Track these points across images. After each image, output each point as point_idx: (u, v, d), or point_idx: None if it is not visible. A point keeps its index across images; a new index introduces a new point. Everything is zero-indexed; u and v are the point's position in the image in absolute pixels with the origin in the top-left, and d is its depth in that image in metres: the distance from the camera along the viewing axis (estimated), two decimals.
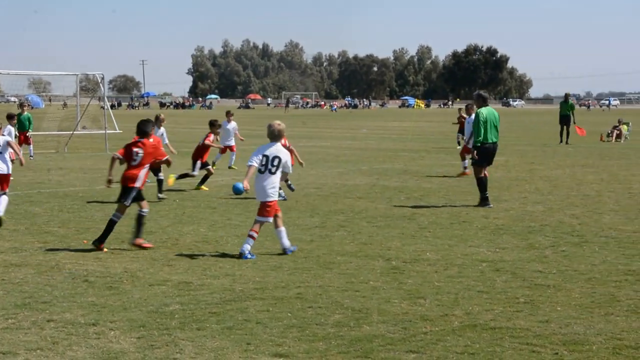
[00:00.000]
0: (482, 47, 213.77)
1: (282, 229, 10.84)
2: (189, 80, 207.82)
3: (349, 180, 20.43)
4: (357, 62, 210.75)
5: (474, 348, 6.81)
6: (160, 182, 16.75)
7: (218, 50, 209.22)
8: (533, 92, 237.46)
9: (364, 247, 11.36)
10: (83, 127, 35.70)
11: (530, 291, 8.79)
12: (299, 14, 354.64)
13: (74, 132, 33.71)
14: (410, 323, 7.56)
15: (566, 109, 36.91)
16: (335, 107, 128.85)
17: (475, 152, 15.52)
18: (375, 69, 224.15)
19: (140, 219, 11.28)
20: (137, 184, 11.31)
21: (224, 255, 10.82)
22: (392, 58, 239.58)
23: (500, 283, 9.18)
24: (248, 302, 8.34)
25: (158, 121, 17.88)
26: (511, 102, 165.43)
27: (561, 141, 36.15)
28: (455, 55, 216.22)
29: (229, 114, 24.59)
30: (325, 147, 34.01)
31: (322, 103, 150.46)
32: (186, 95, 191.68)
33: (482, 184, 15.41)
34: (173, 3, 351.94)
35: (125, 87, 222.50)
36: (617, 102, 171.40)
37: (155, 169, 16.02)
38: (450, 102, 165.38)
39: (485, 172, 15.51)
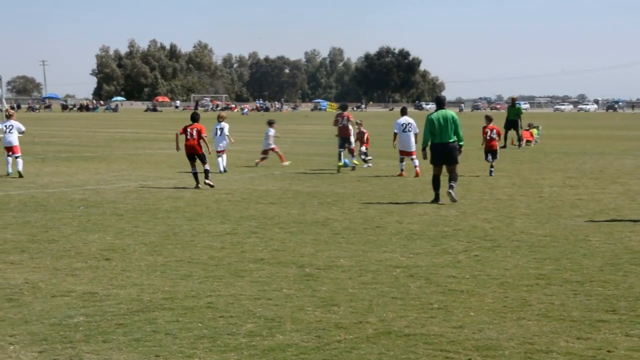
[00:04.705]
0: (394, 49, 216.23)
1: None
2: (93, 82, 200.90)
3: (261, 185, 20.23)
4: (268, 64, 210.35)
5: (388, 355, 6.73)
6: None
7: (124, 50, 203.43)
8: (445, 95, 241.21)
9: (276, 254, 11.18)
10: None
11: (444, 297, 8.77)
12: (207, 14, 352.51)
13: None
14: (324, 331, 7.42)
15: (513, 114, 37.00)
16: (246, 110, 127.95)
17: (423, 153, 17.36)
18: (287, 70, 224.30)
19: None
20: None
21: (131, 264, 10.49)
22: (303, 60, 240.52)
23: (414, 289, 9.14)
24: (157, 312, 8.07)
25: None
26: (424, 105, 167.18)
27: (504, 145, 35.76)
28: (367, 57, 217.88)
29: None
30: (236, 152, 33.68)
31: (233, 106, 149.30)
32: (90, 97, 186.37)
33: (434, 183, 16.75)
34: (74, 1, 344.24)
35: (25, 88, 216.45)
36: (527, 105, 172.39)
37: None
38: (363, 105, 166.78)
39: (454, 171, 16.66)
